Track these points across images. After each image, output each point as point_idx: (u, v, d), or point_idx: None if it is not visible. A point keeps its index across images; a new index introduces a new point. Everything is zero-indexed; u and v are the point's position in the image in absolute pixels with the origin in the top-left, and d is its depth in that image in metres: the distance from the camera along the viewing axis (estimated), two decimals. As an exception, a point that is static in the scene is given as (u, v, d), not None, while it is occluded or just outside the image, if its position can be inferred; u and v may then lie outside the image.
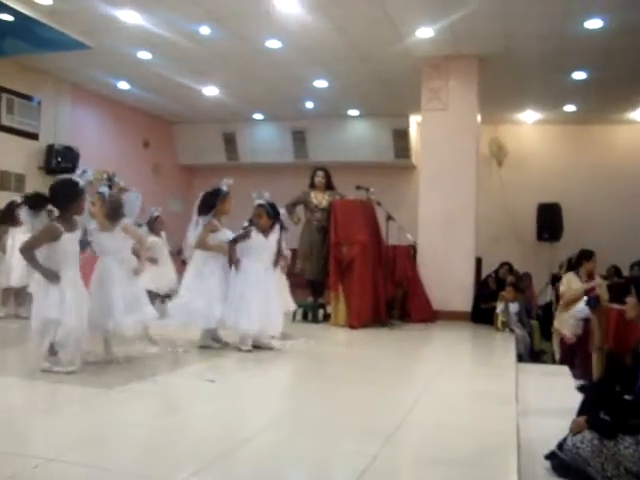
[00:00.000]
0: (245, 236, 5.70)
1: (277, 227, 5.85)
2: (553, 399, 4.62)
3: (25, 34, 8.58)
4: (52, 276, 4.28)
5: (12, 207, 7.40)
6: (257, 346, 5.69)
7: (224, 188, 5.81)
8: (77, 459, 2.64)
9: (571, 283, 7.19)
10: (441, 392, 4.30)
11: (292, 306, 7.03)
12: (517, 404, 3.88)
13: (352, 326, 7.56)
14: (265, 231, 5.74)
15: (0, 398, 3.77)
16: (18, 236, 7.23)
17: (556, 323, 7.33)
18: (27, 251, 4.36)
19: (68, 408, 3.54)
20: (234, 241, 5.66)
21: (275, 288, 5.86)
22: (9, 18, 8.07)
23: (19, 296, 7.47)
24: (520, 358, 6.81)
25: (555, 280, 9.75)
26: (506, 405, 3.85)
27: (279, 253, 5.96)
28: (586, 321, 6.81)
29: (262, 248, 5.70)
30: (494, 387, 4.56)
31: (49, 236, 4.34)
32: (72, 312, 4.26)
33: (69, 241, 4.40)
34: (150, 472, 2.59)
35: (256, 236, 5.69)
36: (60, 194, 4.47)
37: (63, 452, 2.70)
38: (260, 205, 5.81)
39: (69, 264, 4.40)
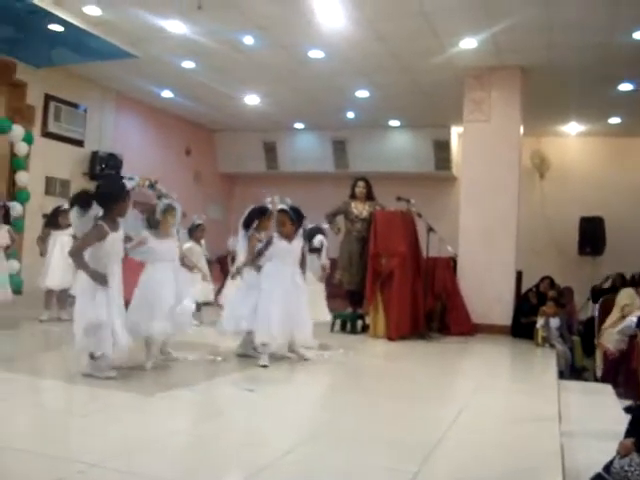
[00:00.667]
0: (267, 245, 5.58)
1: (300, 232, 5.68)
2: (597, 419, 4.52)
3: (74, 44, 8.77)
4: (101, 279, 4.32)
5: (57, 212, 7.55)
6: (292, 351, 5.69)
7: (269, 206, 5.78)
8: (119, 466, 2.66)
9: (634, 299, 7.12)
10: (481, 408, 4.24)
11: (327, 316, 7.00)
12: (560, 423, 3.80)
13: (390, 338, 7.52)
14: (289, 237, 5.60)
15: (42, 401, 3.83)
16: (60, 239, 7.40)
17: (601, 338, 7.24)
18: (76, 253, 4.42)
19: (108, 413, 3.56)
20: (258, 254, 5.60)
21: (306, 294, 5.71)
22: (59, 29, 8.25)
23: (61, 299, 7.60)
24: (561, 375, 6.69)
25: (597, 296, 9.58)
26: (549, 424, 3.77)
27: (304, 258, 5.81)
28: (631, 337, 6.68)
29: (285, 253, 5.55)
30: (536, 405, 4.49)
31: (96, 237, 4.38)
32: (119, 315, 4.32)
33: (114, 241, 4.46)
34: (190, 482, 2.60)
35: (279, 242, 5.55)
36: (107, 193, 4.55)
37: (105, 458, 2.73)
38: (283, 211, 5.65)
39: (113, 265, 4.45)
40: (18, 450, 2.78)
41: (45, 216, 7.79)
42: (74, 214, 4.53)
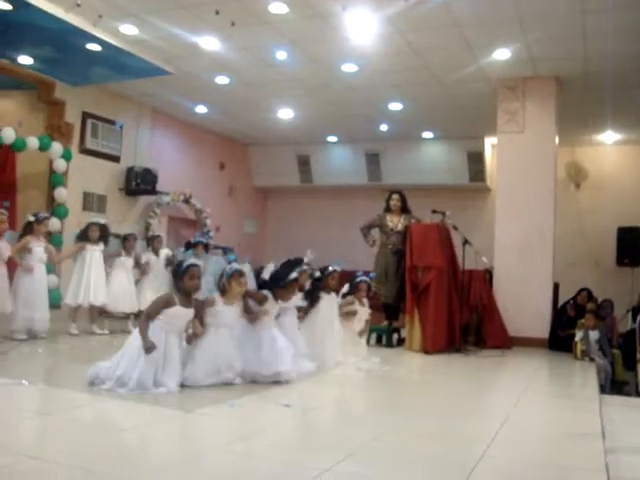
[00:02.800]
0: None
1: None
2: (642, 435, 4.42)
3: (111, 62, 8.95)
4: (148, 347, 4.38)
5: (89, 226, 7.62)
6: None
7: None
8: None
9: None
10: (522, 424, 4.18)
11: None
12: (604, 439, 3.73)
13: (427, 351, 7.47)
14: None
15: (82, 415, 3.86)
16: (93, 255, 7.50)
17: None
18: (145, 318, 4.57)
19: (148, 429, 3.58)
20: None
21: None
22: (97, 48, 8.42)
23: (92, 313, 7.68)
24: (602, 389, 6.56)
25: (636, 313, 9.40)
26: (592, 440, 3.70)
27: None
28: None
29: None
30: (578, 420, 4.41)
31: (164, 303, 4.57)
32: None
33: (179, 315, 4.58)
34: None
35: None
36: (173, 273, 4.73)
37: (144, 474, 2.74)
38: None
39: (170, 336, 4.56)
40: (58, 464, 2.80)
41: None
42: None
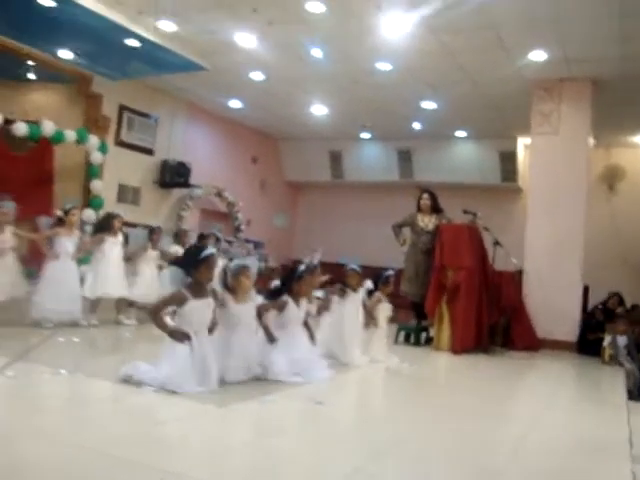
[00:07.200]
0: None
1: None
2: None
3: (148, 58, 9.08)
4: (180, 336, 4.27)
5: (111, 216, 7.56)
6: None
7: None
8: (197, 475, 2.74)
9: None
10: (547, 430, 4.20)
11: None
12: (632, 448, 3.74)
13: (455, 351, 7.49)
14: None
15: (122, 407, 3.96)
16: (115, 247, 7.40)
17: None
18: (153, 314, 4.38)
19: (182, 423, 3.66)
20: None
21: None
22: (136, 44, 8.56)
23: (118, 303, 7.77)
24: (630, 394, 6.54)
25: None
26: (619, 448, 3.71)
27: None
28: None
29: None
30: (604, 427, 4.41)
31: (174, 301, 4.36)
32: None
33: (196, 309, 4.36)
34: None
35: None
36: (186, 260, 4.50)
37: (179, 466, 2.81)
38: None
39: (197, 334, 4.38)
40: (101, 454, 2.88)
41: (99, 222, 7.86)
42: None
